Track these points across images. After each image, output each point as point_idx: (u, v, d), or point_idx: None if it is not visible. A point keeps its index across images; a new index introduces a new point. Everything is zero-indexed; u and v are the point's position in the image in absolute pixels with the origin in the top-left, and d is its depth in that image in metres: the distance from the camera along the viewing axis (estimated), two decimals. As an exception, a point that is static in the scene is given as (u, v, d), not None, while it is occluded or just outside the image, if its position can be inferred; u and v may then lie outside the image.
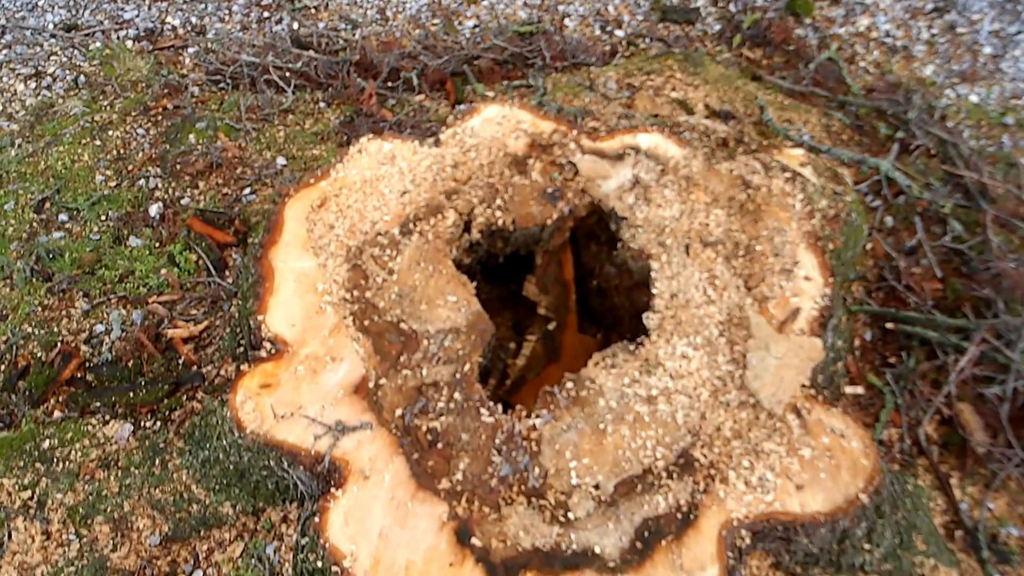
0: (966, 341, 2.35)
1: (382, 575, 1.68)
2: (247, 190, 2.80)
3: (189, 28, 3.92)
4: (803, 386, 1.94)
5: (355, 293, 2.04)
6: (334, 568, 1.67)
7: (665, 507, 1.78)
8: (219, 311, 2.49)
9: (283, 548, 1.97)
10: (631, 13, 4.38)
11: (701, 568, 1.70)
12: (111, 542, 2.03)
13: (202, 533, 2.03)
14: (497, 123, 2.35)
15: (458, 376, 1.95)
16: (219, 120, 3.11)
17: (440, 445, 1.84)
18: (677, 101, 3.13)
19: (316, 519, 1.74)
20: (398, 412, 1.89)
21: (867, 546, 1.93)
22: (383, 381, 1.92)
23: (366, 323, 2.00)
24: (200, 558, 2.02)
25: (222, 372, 2.20)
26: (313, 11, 4.24)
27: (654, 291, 2.09)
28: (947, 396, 2.28)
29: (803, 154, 2.46)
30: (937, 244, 2.65)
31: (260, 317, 1.97)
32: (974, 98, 3.54)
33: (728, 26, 4.24)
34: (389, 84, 3.48)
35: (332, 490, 1.77)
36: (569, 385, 1.94)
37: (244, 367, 1.92)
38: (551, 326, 2.47)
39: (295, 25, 4.07)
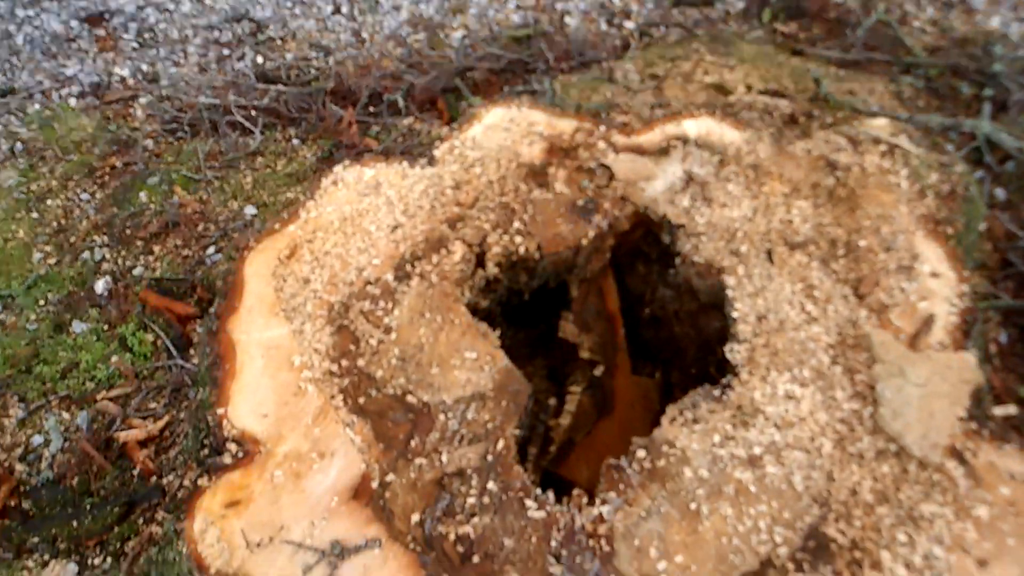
0: None
1: None
2: (211, 249, 2.41)
3: (140, 77, 3.58)
4: (960, 419, 1.47)
5: (344, 363, 1.61)
6: None
7: (801, 616, 1.31)
8: (183, 401, 2.07)
9: None
10: (640, 2, 4.00)
11: None
12: None
13: None
14: (504, 129, 1.94)
15: (490, 458, 1.50)
16: (175, 173, 2.73)
17: (477, 558, 1.39)
18: (713, 86, 2.72)
19: None
20: (415, 518, 1.44)
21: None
22: (391, 478, 1.48)
23: (362, 401, 1.57)
24: None
25: (186, 482, 1.76)
26: (279, 42, 3.89)
27: (734, 314, 1.65)
28: None
29: (888, 123, 2.02)
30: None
31: (220, 410, 1.54)
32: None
33: (753, 2, 3.85)
34: (371, 110, 3.10)
35: (335, 641, 1.32)
36: (640, 453, 1.49)
37: (203, 481, 1.48)
38: (597, 371, 2.04)
39: (259, 59, 3.72)
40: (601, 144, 1.91)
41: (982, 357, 1.93)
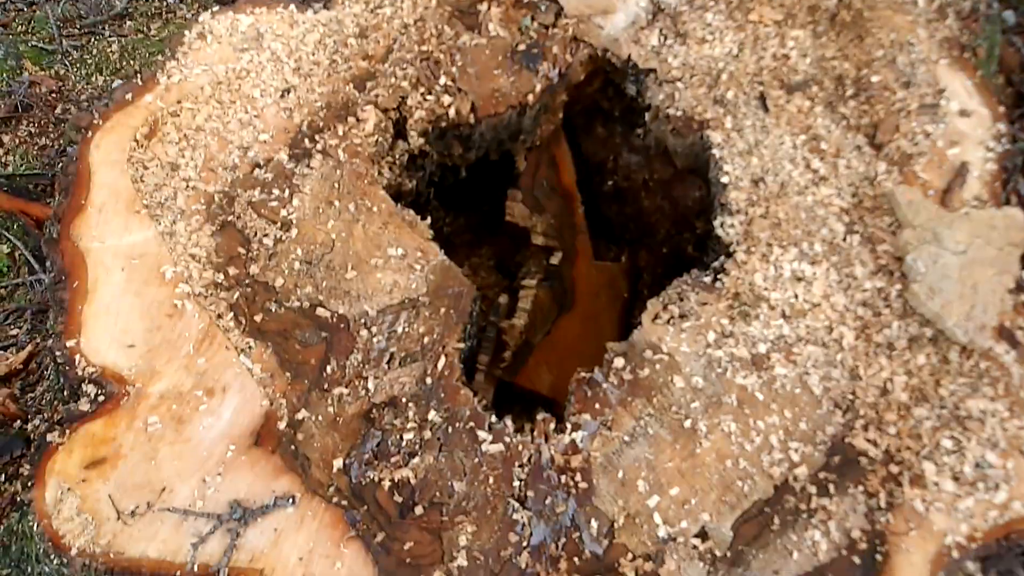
0: None
1: None
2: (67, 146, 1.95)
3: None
4: (1010, 291, 1.19)
5: (232, 272, 1.25)
6: None
7: (829, 548, 1.05)
8: (47, 330, 1.68)
9: None
10: None
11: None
12: None
13: None
14: (419, -44, 1.51)
15: (429, 381, 1.18)
16: (23, 44, 2.23)
17: (420, 509, 1.09)
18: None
19: None
20: (337, 464, 1.13)
21: None
22: (303, 415, 1.15)
23: (259, 320, 1.22)
24: None
25: (57, 428, 1.41)
26: None
27: (723, 179, 1.32)
28: None
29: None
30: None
31: (70, 343, 1.18)
32: None
33: None
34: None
35: (242, 632, 1.02)
36: (618, 363, 1.18)
37: (54, 436, 1.13)
38: (554, 259, 1.71)
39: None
40: (544, -29, 1.51)
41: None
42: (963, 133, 1.35)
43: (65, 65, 2.22)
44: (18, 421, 1.59)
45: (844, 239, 1.27)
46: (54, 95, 2.14)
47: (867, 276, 1.24)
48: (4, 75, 2.19)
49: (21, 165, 2.01)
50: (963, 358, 1.18)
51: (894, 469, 1.11)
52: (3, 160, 2.03)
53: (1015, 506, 1.08)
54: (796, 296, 1.23)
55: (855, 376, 1.18)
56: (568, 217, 1.76)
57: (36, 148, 2.04)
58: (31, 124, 2.09)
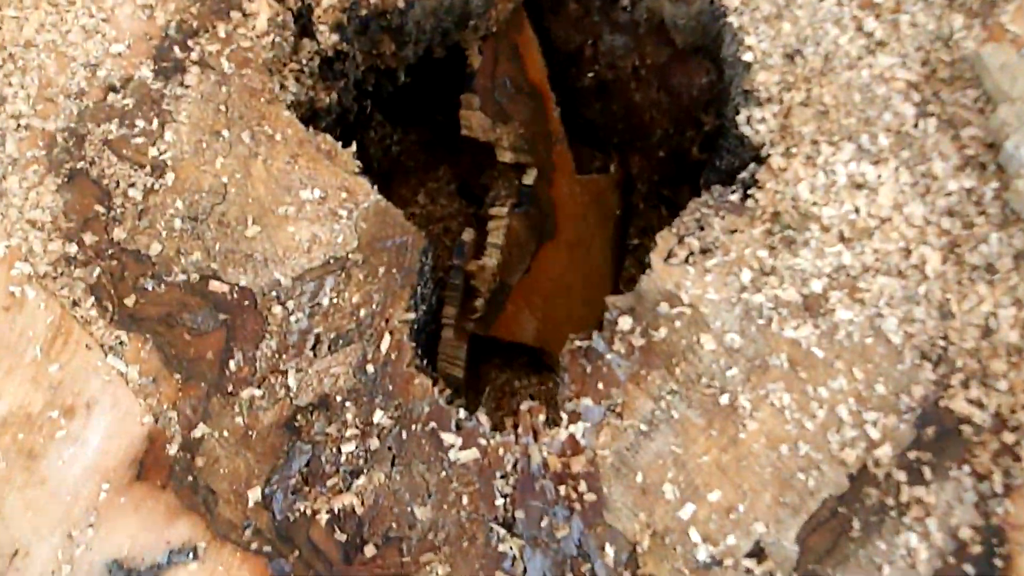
0: None
1: None
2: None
3: None
4: None
5: (89, 240, 0.92)
6: None
7: (930, 555, 0.76)
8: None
9: None
10: None
11: None
12: None
13: None
14: None
15: (371, 369, 0.86)
16: None
17: (371, 549, 0.80)
18: None
19: None
20: (254, 496, 0.82)
21: None
22: (201, 430, 0.84)
23: (131, 302, 0.89)
24: None
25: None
26: None
27: (746, 56, 0.97)
28: None
29: None
30: None
31: None
32: None
33: None
34: None
35: None
36: (624, 323, 0.87)
37: None
38: (527, 178, 1.38)
39: None
40: None
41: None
42: (1063, -33, 1.00)
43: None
44: None
45: (916, 125, 0.94)
46: None
47: (951, 174, 0.92)
48: None
49: None
50: (1090, 278, 0.87)
51: (1009, 438, 0.82)
52: None
53: None
54: (858, 210, 0.91)
55: (946, 314, 0.87)
56: (541, 123, 1.41)
57: None
58: None
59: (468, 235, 1.35)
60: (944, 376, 0.85)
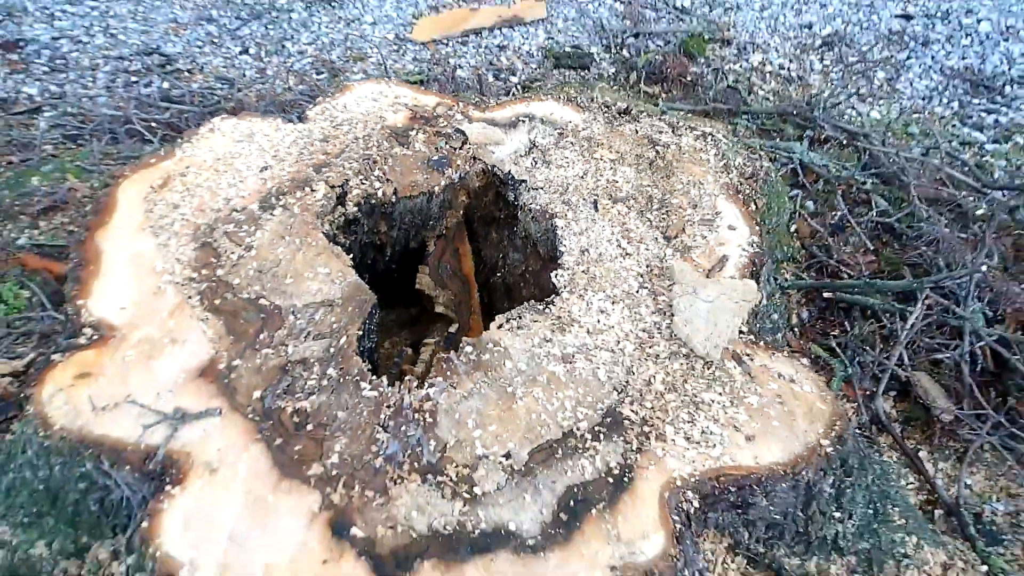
0: (911, 305, 2.20)
1: (233, 587, 1.33)
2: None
3: (48, 95, 3.70)
4: (741, 332, 1.73)
5: (203, 272, 1.77)
6: (167, 584, 1.31)
7: (593, 472, 1.50)
8: (51, 344, 2.14)
9: (114, 591, 1.57)
10: (524, 62, 4.41)
11: (643, 536, 1.42)
12: None
13: (5, 591, 1.62)
14: (373, 99, 2.19)
15: (332, 350, 1.66)
16: (69, 164, 2.86)
17: (310, 427, 1.54)
18: (576, 111, 3.05)
19: (146, 525, 1.38)
20: (256, 395, 1.58)
21: (837, 514, 1.68)
22: (237, 363, 1.63)
23: (217, 302, 1.72)
24: (2, 625, 1.59)
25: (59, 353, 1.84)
26: (186, 73, 4.09)
27: (561, 248, 1.89)
28: (900, 361, 2.11)
29: (711, 123, 2.36)
30: (864, 220, 2.56)
31: (80, 301, 1.67)
32: (875, 114, 3.60)
33: (623, 68, 4.30)
34: (265, 121, 3.30)
35: (167, 489, 1.43)
36: (469, 349, 1.68)
37: (57, 357, 1.59)
38: (452, 328, 2.22)
39: (165, 85, 3.90)
40: (459, 116, 2.18)
41: (785, 326, 2.23)
42: (728, 239, 1.95)
43: (99, 181, 2.83)
44: (14, 399, 2.01)
45: (637, 291, 1.83)
46: (86, 199, 2.72)
47: (648, 314, 1.78)
48: (50, 181, 2.79)
49: (51, 241, 2.55)
50: (704, 368, 1.69)
51: (646, 429, 1.59)
52: (37, 239, 2.57)
53: (724, 459, 1.55)
54: (599, 321, 1.76)
55: (630, 372, 1.68)
56: (466, 298, 2.30)
57: (65, 232, 2.58)
58: (64, 216, 2.65)
59: (407, 350, 2.18)
60: (622, 398, 1.64)
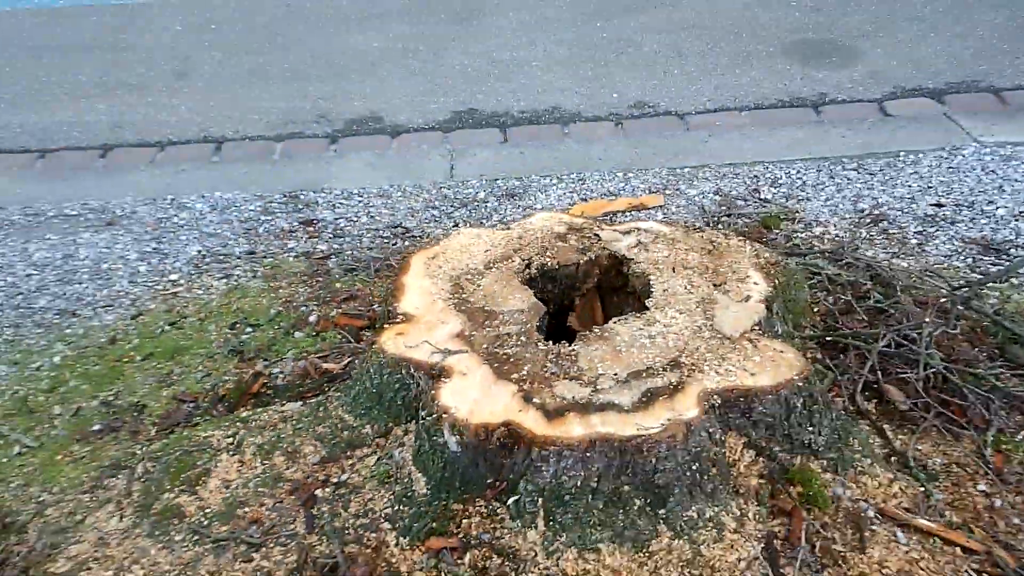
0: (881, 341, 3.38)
1: (476, 417, 2.71)
2: (375, 306, 4.18)
3: (333, 250, 5.58)
4: (752, 328, 3.03)
5: (455, 295, 3.30)
6: (444, 416, 2.71)
7: (662, 383, 2.80)
8: (357, 357, 3.72)
9: (405, 448, 2.98)
10: (653, 229, 5.93)
11: (687, 410, 2.68)
12: (285, 465, 3.08)
13: (348, 453, 3.07)
14: (546, 219, 3.76)
15: (523, 330, 3.10)
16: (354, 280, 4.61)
17: (512, 360, 2.95)
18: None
19: (432, 393, 2.82)
20: (484, 346, 3.03)
21: (810, 428, 2.85)
22: (474, 333, 3.09)
23: (463, 308, 3.23)
24: (346, 468, 3.03)
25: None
26: (419, 238, 5.91)
27: (652, 290, 3.28)
28: (872, 369, 3.27)
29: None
30: (863, 305, 3.78)
31: (395, 304, 3.23)
32: (903, 263, 4.78)
33: (727, 230, 5.73)
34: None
35: (442, 380, 2.87)
36: (596, 330, 3.07)
37: (387, 326, 3.13)
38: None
39: (407, 243, 5.71)
40: (597, 228, 3.69)
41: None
42: (753, 288, 3.27)
43: (375, 283, 4.54)
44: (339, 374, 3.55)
45: (694, 309, 3.17)
46: (367, 293, 4.42)
47: (700, 320, 3.11)
48: (347, 286, 4.52)
49: (351, 310, 4.21)
50: (730, 343, 2.98)
51: (692, 367, 2.88)
52: (347, 311, 4.25)
53: (736, 382, 2.80)
54: (671, 320, 3.10)
55: (687, 344, 2.99)
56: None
57: (358, 309, 4.25)
58: (357, 302, 4.34)
59: (561, 359, 3.56)
60: (680, 354, 2.94)
